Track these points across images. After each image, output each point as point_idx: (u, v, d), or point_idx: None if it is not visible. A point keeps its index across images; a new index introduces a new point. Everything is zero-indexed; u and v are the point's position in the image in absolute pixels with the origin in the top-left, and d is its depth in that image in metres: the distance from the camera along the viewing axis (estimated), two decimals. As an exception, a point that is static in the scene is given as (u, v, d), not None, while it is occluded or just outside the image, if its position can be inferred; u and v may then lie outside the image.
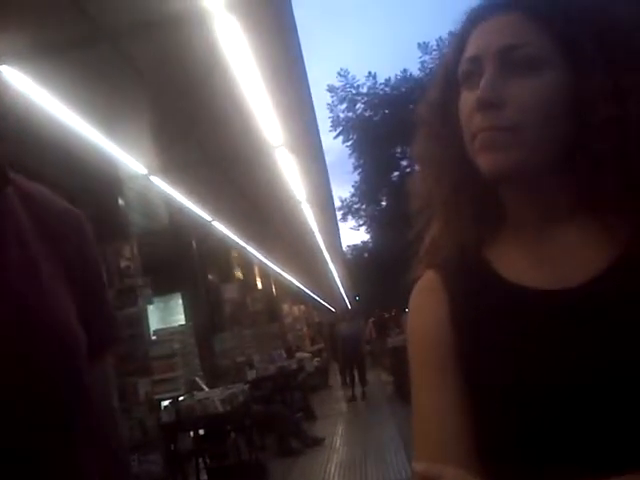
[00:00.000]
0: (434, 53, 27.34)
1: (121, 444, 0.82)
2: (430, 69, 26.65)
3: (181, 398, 6.04)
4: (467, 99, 0.76)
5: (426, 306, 0.84)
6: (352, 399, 12.29)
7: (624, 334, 0.68)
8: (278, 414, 7.90)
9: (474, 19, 0.79)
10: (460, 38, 0.80)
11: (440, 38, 26.87)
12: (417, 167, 0.88)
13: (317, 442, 8.18)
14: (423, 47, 28.06)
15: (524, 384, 0.71)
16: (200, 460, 6.28)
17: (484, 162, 0.74)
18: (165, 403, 5.99)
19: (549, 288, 0.75)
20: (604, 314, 0.70)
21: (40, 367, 0.65)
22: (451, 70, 0.81)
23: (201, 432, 6.24)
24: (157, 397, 5.79)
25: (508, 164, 0.72)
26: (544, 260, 0.77)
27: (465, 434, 0.74)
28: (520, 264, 0.79)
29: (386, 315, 22.07)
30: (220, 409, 5.80)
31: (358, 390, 12.51)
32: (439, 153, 0.82)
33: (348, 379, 13.02)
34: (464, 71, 0.78)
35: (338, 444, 8.51)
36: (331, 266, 20.01)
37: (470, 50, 0.77)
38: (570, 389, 0.69)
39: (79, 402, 0.69)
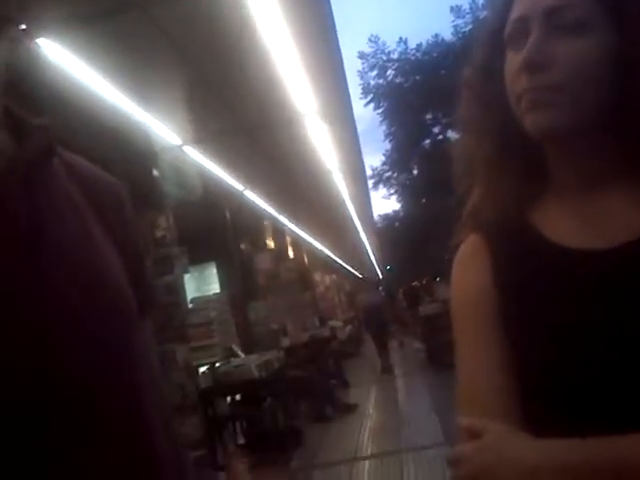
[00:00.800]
0: (467, 17, 26.71)
1: (167, 404, 0.85)
2: (463, 33, 26.06)
3: (218, 364, 6.17)
4: (513, 60, 0.76)
5: (470, 269, 0.85)
6: (384, 371, 11.96)
7: None
8: (312, 380, 8.02)
9: None
10: (504, 0, 0.80)
11: (473, 1, 26.17)
12: (461, 131, 0.88)
13: (350, 409, 8.29)
14: (456, 10, 27.36)
15: (566, 344, 0.72)
16: (237, 424, 6.43)
17: (531, 121, 0.74)
18: (203, 369, 6.13)
19: (593, 248, 0.75)
20: (635, 275, 0.70)
21: (100, 331, 0.67)
22: (496, 32, 0.81)
23: (237, 397, 6.38)
24: (195, 363, 5.93)
25: (554, 123, 0.73)
26: (588, 221, 0.77)
27: (508, 390, 0.75)
28: (563, 226, 0.79)
29: (417, 284, 22.02)
30: (256, 375, 5.92)
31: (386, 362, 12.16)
32: (484, 116, 0.82)
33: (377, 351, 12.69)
34: (510, 32, 0.77)
35: (371, 410, 8.62)
36: (362, 235, 19.98)
37: (516, 11, 0.77)
38: (609, 349, 0.69)
39: (135, 365, 0.71)
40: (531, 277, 0.78)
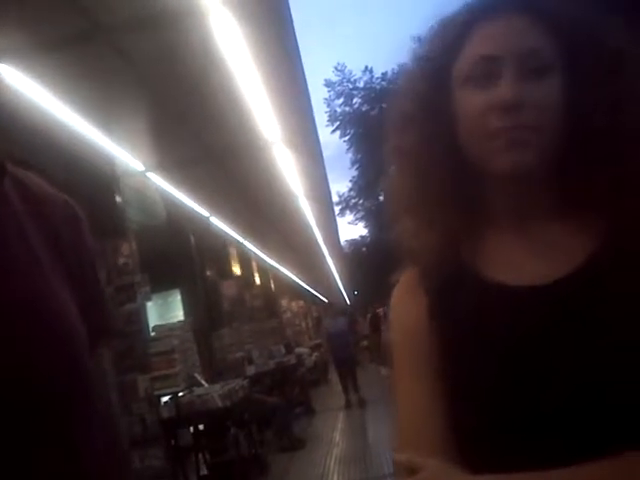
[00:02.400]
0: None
1: (118, 432, 0.83)
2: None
3: (181, 394, 6.06)
4: (475, 98, 0.76)
5: (406, 304, 0.86)
6: (347, 405, 10.85)
7: (593, 328, 0.70)
8: (275, 408, 7.92)
9: (477, 16, 0.78)
10: (458, 33, 0.79)
11: None
12: (398, 162, 0.86)
13: (298, 444, 7.99)
14: (417, 40, 28.01)
15: (501, 381, 0.73)
16: (200, 455, 6.30)
17: (507, 159, 0.74)
18: (165, 399, 6.01)
19: (526, 284, 0.76)
20: (576, 309, 0.72)
21: (42, 358, 0.65)
22: (444, 68, 0.80)
23: (201, 427, 6.26)
24: (157, 393, 5.81)
25: (530, 161, 0.74)
26: (525, 258, 0.79)
27: (444, 426, 0.76)
28: (500, 262, 0.80)
29: (380, 310, 22.10)
30: (219, 404, 5.82)
31: (354, 396, 10.95)
32: (424, 149, 0.82)
33: (341, 382, 11.39)
34: (473, 70, 0.77)
35: (338, 439, 8.53)
36: (329, 261, 20.01)
37: (482, 48, 0.77)
38: (545, 384, 0.71)
39: (81, 391, 0.69)
40: (466, 314, 0.78)
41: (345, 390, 11.12)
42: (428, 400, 0.78)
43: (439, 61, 0.81)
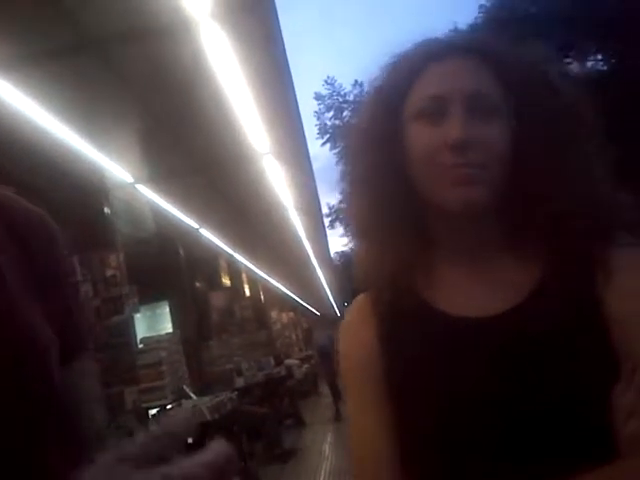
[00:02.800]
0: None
1: (89, 446, 0.81)
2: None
3: (169, 406, 6.02)
4: (424, 135, 0.79)
5: (356, 331, 0.87)
6: (337, 418, 10.49)
7: (535, 359, 0.74)
8: (265, 418, 7.88)
9: (428, 56, 0.82)
10: (410, 71, 0.83)
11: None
12: (352, 189, 0.89)
13: (289, 455, 7.99)
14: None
15: (447, 410, 0.76)
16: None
17: (456, 195, 0.77)
18: (153, 412, 5.96)
19: (474, 315, 0.79)
20: (520, 340, 0.75)
21: (4, 370, 0.64)
22: (394, 100, 0.83)
23: (189, 440, 6.20)
24: (145, 406, 5.76)
25: (478, 198, 0.77)
26: (471, 288, 0.82)
27: (392, 457, 0.79)
28: (450, 294, 0.83)
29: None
30: (207, 417, 5.78)
31: (344, 408, 10.58)
32: (377, 179, 0.84)
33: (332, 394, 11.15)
34: (423, 108, 0.80)
35: (328, 451, 8.49)
36: (319, 273, 20.00)
37: (431, 88, 0.80)
38: (486, 410, 0.74)
39: (47, 404, 0.68)
40: (415, 345, 0.81)
41: (336, 402, 10.98)
42: (376, 432, 0.80)
43: (391, 97, 0.84)
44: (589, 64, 18.49)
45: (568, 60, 18.53)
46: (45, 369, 0.69)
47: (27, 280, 0.71)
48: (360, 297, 0.89)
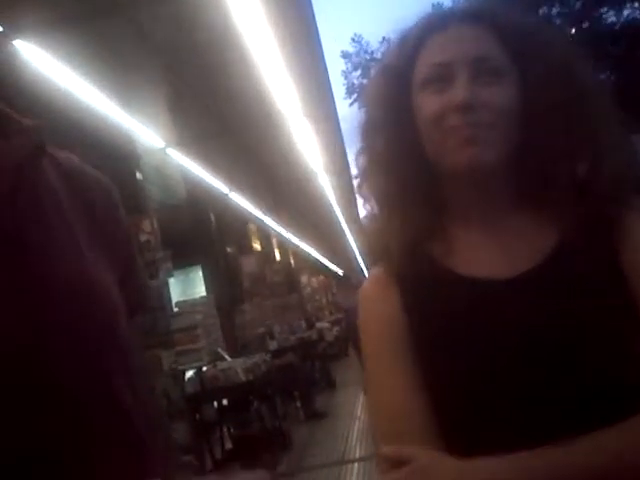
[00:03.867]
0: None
1: (156, 404, 0.85)
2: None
3: (204, 369, 6.13)
4: (432, 101, 0.82)
5: (378, 302, 0.88)
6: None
7: (553, 317, 0.76)
8: (300, 382, 8.00)
9: (431, 28, 0.86)
10: (415, 44, 0.86)
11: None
12: (367, 163, 0.91)
13: (318, 416, 8.12)
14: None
15: (481, 370, 0.77)
16: (225, 429, 6.39)
17: (464, 155, 0.79)
18: (189, 374, 6.08)
19: (495, 277, 0.81)
20: (539, 300, 0.78)
21: (85, 331, 0.66)
22: (403, 74, 0.87)
23: (225, 402, 6.33)
24: (181, 368, 5.87)
25: (485, 157, 0.79)
26: (490, 251, 0.84)
27: (427, 412, 0.79)
28: (468, 257, 0.85)
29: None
30: (242, 378, 5.88)
31: None
32: (392, 150, 0.87)
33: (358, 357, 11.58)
34: (428, 75, 0.83)
35: (359, 412, 8.61)
36: (349, 236, 20.01)
37: (436, 56, 0.83)
38: (514, 370, 0.76)
39: (123, 364, 0.71)
40: (439, 307, 0.82)
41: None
42: (409, 392, 0.81)
43: (399, 70, 0.87)
44: (626, 13, 17.80)
45: (604, 9, 17.84)
46: (122, 328, 0.71)
47: (95, 240, 0.73)
48: (375, 270, 0.91)
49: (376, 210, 0.92)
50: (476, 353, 0.78)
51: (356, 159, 0.93)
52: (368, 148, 0.90)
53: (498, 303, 0.79)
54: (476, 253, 0.84)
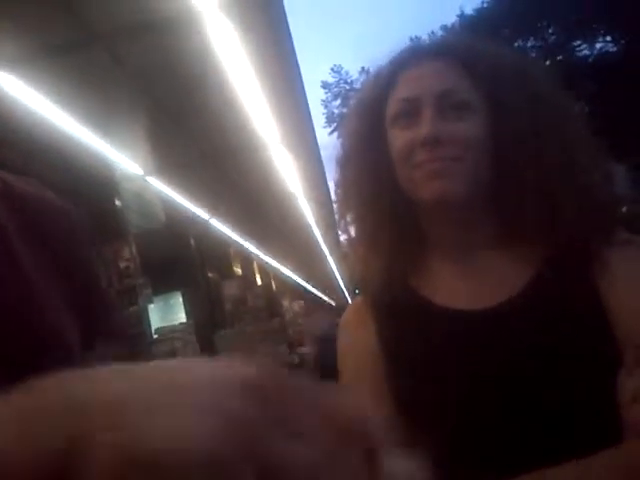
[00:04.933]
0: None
1: None
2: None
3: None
4: (401, 136, 0.83)
5: (356, 329, 0.89)
6: None
7: (530, 348, 0.76)
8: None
9: (401, 64, 0.87)
10: (387, 80, 0.87)
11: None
12: (343, 194, 0.93)
13: None
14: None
15: (453, 401, 0.77)
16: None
17: (432, 189, 0.80)
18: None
19: (471, 308, 0.81)
20: (516, 331, 0.78)
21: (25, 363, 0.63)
22: (376, 109, 0.87)
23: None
24: (160, 395, 5.83)
25: (453, 190, 0.79)
26: (467, 282, 0.84)
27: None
28: (444, 286, 0.85)
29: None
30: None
31: None
32: (368, 183, 0.88)
33: None
34: (397, 111, 0.85)
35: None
36: (330, 260, 20.03)
37: (404, 92, 0.84)
38: (482, 401, 0.76)
39: None
40: (415, 337, 0.83)
41: None
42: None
43: (373, 105, 0.88)
44: (598, 46, 18.25)
45: (577, 43, 18.30)
46: (69, 362, 0.68)
47: (50, 269, 0.71)
48: (357, 300, 0.92)
49: (355, 241, 0.92)
50: (451, 383, 0.77)
51: (335, 191, 0.95)
52: (344, 180, 0.91)
53: (473, 333, 0.79)
54: (453, 284, 0.84)
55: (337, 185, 0.93)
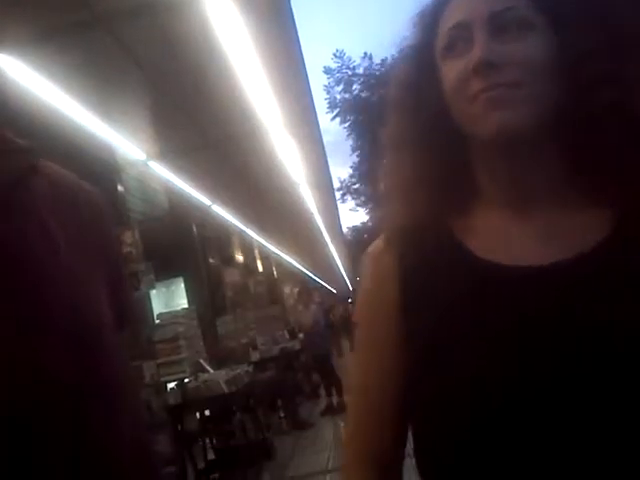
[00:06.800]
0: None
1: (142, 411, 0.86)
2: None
3: (186, 380, 6.11)
4: (454, 66, 0.74)
5: (376, 271, 0.83)
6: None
7: (583, 318, 0.66)
8: (283, 393, 7.99)
9: None
10: (432, 16, 0.79)
11: None
12: (396, 146, 0.83)
13: (305, 426, 8.16)
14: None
15: (475, 378, 0.67)
16: (207, 440, 6.37)
17: (489, 121, 0.70)
18: (171, 385, 6.06)
19: (519, 264, 0.71)
20: (581, 294, 0.67)
21: (72, 336, 0.68)
22: (424, 47, 0.79)
23: (207, 413, 6.32)
24: (163, 379, 5.86)
25: (513, 121, 0.69)
26: (521, 235, 0.74)
27: (399, 403, 0.76)
28: (491, 241, 0.75)
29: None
30: (225, 390, 5.88)
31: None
32: (417, 135, 0.80)
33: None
34: (448, 41, 0.75)
35: (343, 421, 8.62)
36: (331, 247, 20.05)
37: (453, 19, 0.75)
38: (525, 376, 0.66)
39: (107, 379, 0.72)
40: (454, 293, 0.74)
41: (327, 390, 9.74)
42: (383, 367, 0.78)
43: (421, 45, 0.80)
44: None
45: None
46: (110, 341, 0.73)
47: (84, 252, 0.74)
48: (382, 239, 0.84)
49: (395, 189, 0.83)
50: (479, 352, 0.67)
51: (384, 143, 0.84)
52: (395, 130, 0.82)
53: (521, 292, 0.68)
54: (499, 236, 0.75)
55: (389, 137, 0.84)
